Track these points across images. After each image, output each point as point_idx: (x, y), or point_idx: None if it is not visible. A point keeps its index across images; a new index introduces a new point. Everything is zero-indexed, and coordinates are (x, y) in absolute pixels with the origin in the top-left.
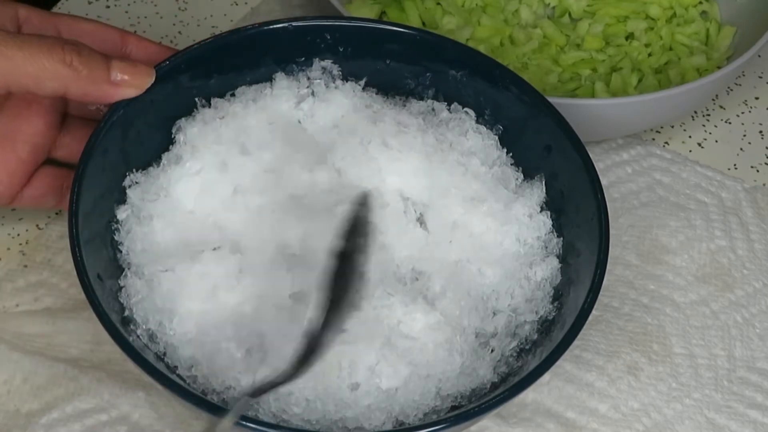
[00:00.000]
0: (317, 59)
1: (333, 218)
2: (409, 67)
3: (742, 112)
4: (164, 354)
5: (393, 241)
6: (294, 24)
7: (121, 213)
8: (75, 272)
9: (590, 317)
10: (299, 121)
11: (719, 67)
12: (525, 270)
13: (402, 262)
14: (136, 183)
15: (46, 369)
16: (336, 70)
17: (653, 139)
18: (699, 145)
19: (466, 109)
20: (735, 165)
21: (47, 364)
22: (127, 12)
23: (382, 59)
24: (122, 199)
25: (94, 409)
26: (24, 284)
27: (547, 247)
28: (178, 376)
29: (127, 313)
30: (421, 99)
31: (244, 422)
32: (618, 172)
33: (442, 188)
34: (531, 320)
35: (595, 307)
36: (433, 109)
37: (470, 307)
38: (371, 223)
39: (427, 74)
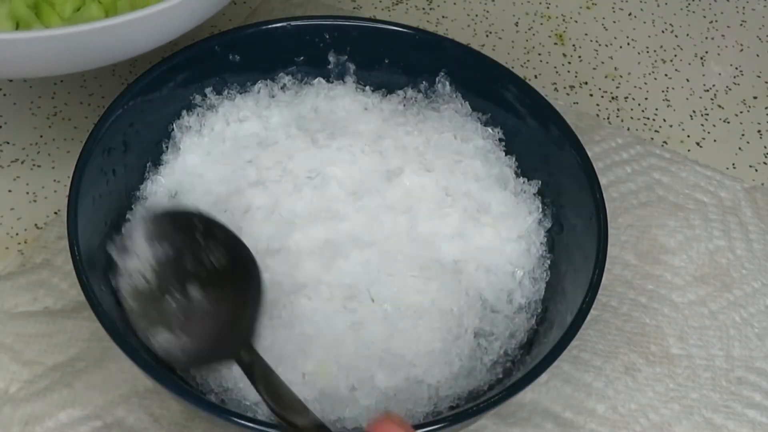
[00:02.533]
0: (316, 58)
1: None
2: (408, 67)
3: (741, 112)
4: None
5: (391, 240)
6: (293, 23)
7: (122, 213)
8: (74, 272)
9: (588, 317)
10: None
11: None
12: (523, 270)
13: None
14: (136, 183)
15: (42, 376)
16: (335, 69)
17: (652, 139)
18: (698, 144)
19: (465, 109)
20: (734, 164)
21: (44, 371)
22: None
23: (381, 59)
24: (121, 198)
25: (88, 416)
26: (23, 284)
27: (545, 247)
28: (178, 376)
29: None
30: (421, 99)
31: (243, 422)
32: (617, 172)
33: (441, 188)
34: (529, 320)
35: (594, 306)
36: (432, 109)
37: (469, 307)
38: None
39: (426, 74)
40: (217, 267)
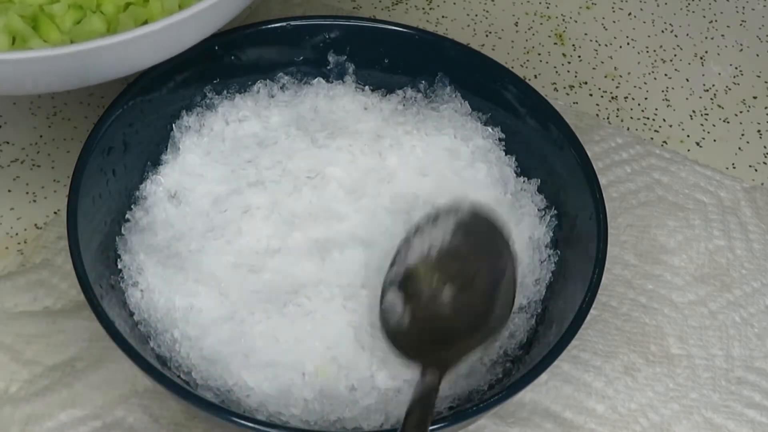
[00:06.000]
0: (315, 58)
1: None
2: (408, 67)
3: (741, 111)
4: (164, 355)
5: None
6: (292, 23)
7: (122, 213)
8: (74, 272)
9: (588, 317)
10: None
11: None
12: (523, 270)
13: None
14: (136, 183)
15: (42, 376)
16: (334, 68)
17: (652, 139)
18: (697, 144)
19: (464, 108)
20: (733, 164)
21: (44, 371)
22: None
23: (380, 58)
24: (121, 198)
25: (88, 416)
26: (23, 284)
27: (545, 246)
28: (178, 376)
29: (127, 313)
30: (420, 98)
31: (243, 422)
32: (617, 171)
33: (441, 188)
34: (529, 320)
35: (594, 306)
36: (431, 109)
37: None
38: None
39: (426, 74)
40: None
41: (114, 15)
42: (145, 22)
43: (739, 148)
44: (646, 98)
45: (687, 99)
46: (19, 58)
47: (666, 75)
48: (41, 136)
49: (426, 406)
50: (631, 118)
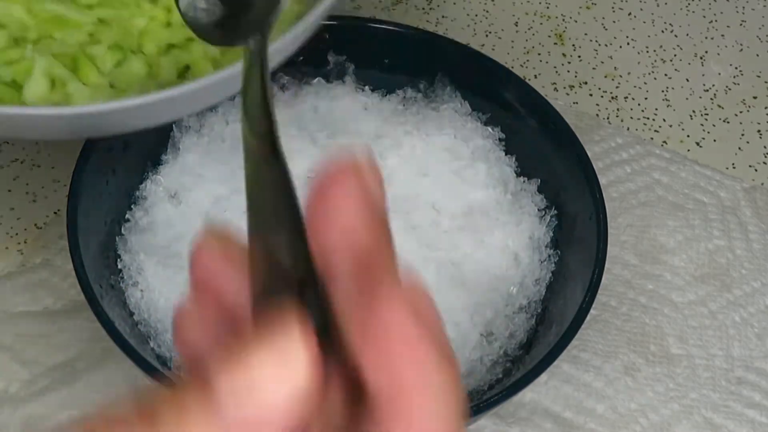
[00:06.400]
0: (315, 58)
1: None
2: (408, 67)
3: (741, 111)
4: (164, 355)
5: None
6: None
7: (122, 213)
8: (74, 272)
9: (588, 317)
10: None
11: None
12: (523, 269)
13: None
14: (136, 183)
15: (42, 376)
16: (334, 68)
17: (652, 139)
18: (697, 144)
19: (464, 109)
20: (733, 164)
21: (44, 371)
22: None
23: (380, 58)
24: (121, 198)
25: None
26: (23, 284)
27: (545, 247)
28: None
29: (127, 313)
30: (420, 98)
31: None
32: (617, 171)
33: (441, 188)
34: (529, 320)
35: (594, 306)
36: (431, 109)
37: (468, 307)
38: None
39: (426, 74)
40: None
41: (155, 56)
42: (187, 67)
43: (739, 148)
44: (646, 98)
45: (687, 99)
46: (43, 114)
47: (666, 75)
48: None
49: (262, 76)
50: (631, 118)
